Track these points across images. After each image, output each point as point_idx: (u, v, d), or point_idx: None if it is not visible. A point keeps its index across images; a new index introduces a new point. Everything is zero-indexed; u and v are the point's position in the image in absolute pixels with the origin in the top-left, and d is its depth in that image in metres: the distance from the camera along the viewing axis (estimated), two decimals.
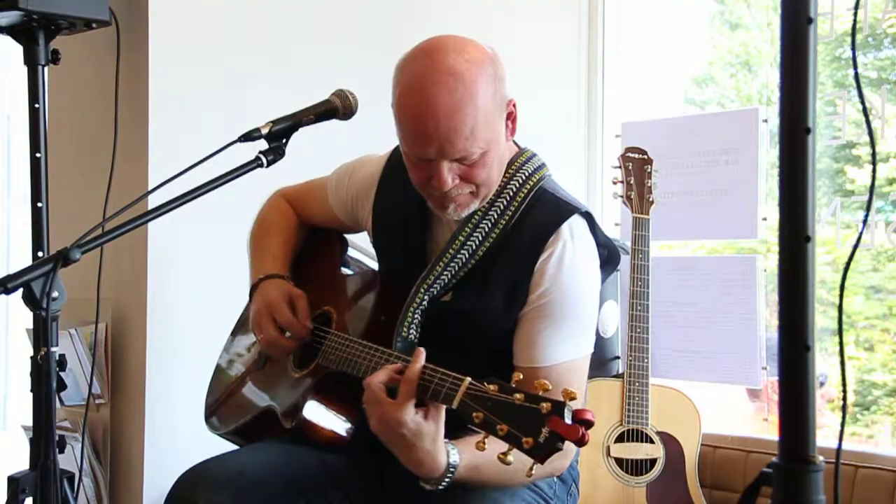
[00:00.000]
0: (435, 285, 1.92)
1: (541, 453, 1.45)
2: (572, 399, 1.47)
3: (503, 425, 1.48)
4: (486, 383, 1.53)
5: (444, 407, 1.61)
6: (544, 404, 1.46)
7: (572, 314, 1.87)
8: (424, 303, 1.91)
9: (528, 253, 1.88)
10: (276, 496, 1.89)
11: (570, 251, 1.87)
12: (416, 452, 1.64)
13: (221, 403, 2.24)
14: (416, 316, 1.91)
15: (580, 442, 1.45)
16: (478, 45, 1.86)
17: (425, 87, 1.78)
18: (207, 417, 2.25)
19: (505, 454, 1.48)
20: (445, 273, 1.92)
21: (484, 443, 1.51)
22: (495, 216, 1.91)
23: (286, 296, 2.06)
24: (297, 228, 2.27)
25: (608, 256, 1.99)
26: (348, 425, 1.95)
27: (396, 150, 2.06)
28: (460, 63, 1.78)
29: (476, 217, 1.91)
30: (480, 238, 1.90)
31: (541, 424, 1.45)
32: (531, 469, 1.48)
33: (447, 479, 1.69)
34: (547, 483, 1.97)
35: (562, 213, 1.90)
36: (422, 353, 1.66)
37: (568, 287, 1.86)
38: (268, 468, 1.93)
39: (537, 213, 1.91)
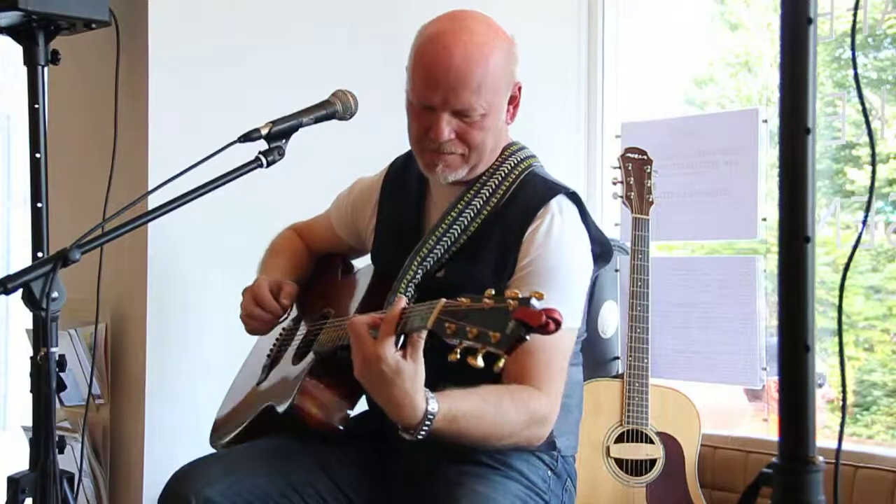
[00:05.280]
0: (428, 259, 1.97)
1: (507, 344, 1.47)
2: (540, 298, 1.49)
3: (473, 328, 1.50)
4: (459, 299, 1.56)
5: (421, 346, 1.64)
6: (511, 301, 1.49)
7: (559, 283, 1.90)
8: (418, 277, 1.97)
9: (517, 226, 1.94)
10: (268, 491, 1.92)
11: (559, 223, 1.94)
12: (396, 392, 1.66)
13: (226, 420, 2.25)
14: (408, 289, 1.95)
15: (544, 328, 1.46)
16: (500, 25, 2.00)
17: (445, 38, 1.91)
18: (214, 442, 2.25)
19: (475, 357, 1.49)
20: (438, 247, 1.98)
21: (456, 353, 1.52)
22: (486, 195, 1.99)
23: (272, 281, 2.15)
24: (303, 251, 2.36)
25: (601, 253, 2.04)
26: (341, 410, 1.97)
27: (393, 163, 2.20)
28: (481, 28, 1.94)
29: (468, 195, 1.99)
30: (472, 214, 1.98)
31: (508, 318, 1.48)
32: (499, 364, 1.48)
33: (425, 428, 1.70)
34: (540, 477, 1.98)
35: (551, 191, 1.98)
36: (403, 298, 1.70)
37: (555, 256, 1.92)
38: (259, 464, 1.95)
39: (527, 191, 1.99)
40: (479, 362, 1.49)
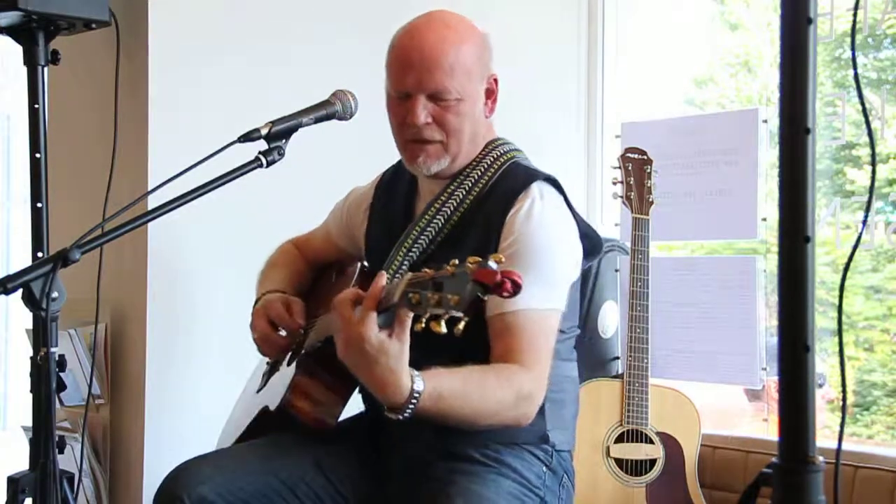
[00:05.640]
0: (413, 249, 2.00)
1: (465, 305, 1.47)
2: (498, 262, 1.49)
3: (435, 295, 1.51)
4: (424, 270, 1.56)
5: (408, 325, 1.63)
6: (470, 265, 1.49)
7: (540, 263, 1.91)
8: (404, 267, 1.98)
9: (498, 211, 1.97)
10: (262, 489, 1.93)
11: (539, 206, 1.96)
12: (380, 370, 1.65)
13: (230, 427, 2.26)
14: (394, 279, 1.94)
15: (500, 287, 1.46)
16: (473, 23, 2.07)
17: (418, 28, 2.01)
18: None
19: (438, 323, 1.50)
20: (422, 238, 2.00)
21: (422, 322, 1.53)
22: (469, 185, 2.02)
23: (283, 299, 2.13)
24: (301, 262, 2.37)
25: (591, 247, 2.06)
26: (333, 405, 1.97)
27: (385, 172, 2.25)
28: (454, 20, 2.03)
29: (451, 187, 2.02)
30: (455, 204, 2.01)
31: (467, 281, 1.48)
32: (459, 326, 1.49)
33: (411, 406, 1.69)
34: (535, 473, 1.98)
35: (531, 177, 2.01)
36: (384, 274, 1.68)
37: (536, 237, 1.93)
38: (253, 462, 1.97)
39: (508, 179, 2.03)
40: (443, 328, 1.49)
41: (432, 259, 1.99)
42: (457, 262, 1.53)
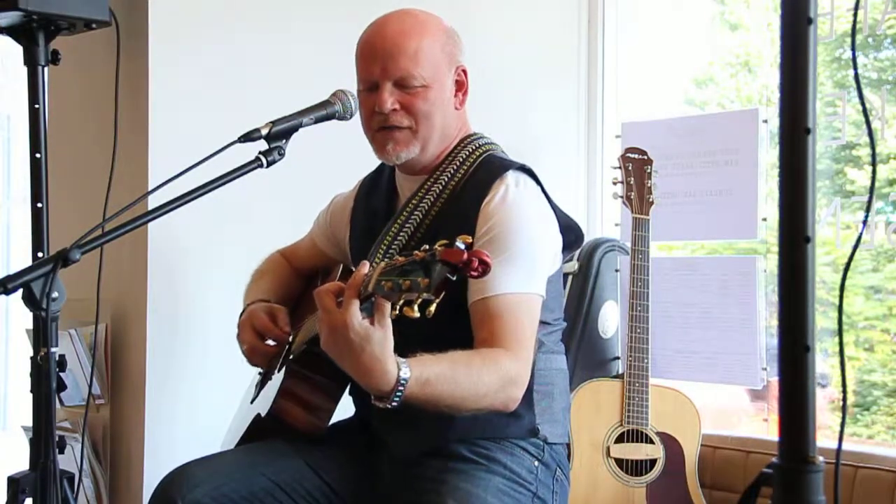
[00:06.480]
0: (394, 245, 2.00)
1: (434, 286, 1.48)
2: (466, 242, 1.50)
3: (406, 280, 1.51)
4: (395, 258, 1.57)
5: (387, 312, 1.62)
6: (439, 248, 1.50)
7: (518, 248, 1.92)
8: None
9: (474, 201, 1.97)
10: (256, 492, 1.94)
11: (513, 192, 1.97)
12: (365, 358, 1.64)
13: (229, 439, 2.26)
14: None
15: (468, 266, 1.47)
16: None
17: (383, 21, 2.04)
18: None
19: (412, 307, 1.50)
20: (402, 233, 2.01)
21: (396, 309, 1.54)
22: (445, 179, 2.03)
23: (266, 308, 2.14)
24: (288, 271, 2.38)
25: (574, 238, 2.08)
26: (323, 407, 1.98)
27: (364, 177, 2.27)
28: (418, 13, 2.05)
29: (428, 182, 2.04)
30: (432, 199, 2.02)
31: (435, 263, 1.49)
32: (430, 308, 1.50)
33: (398, 393, 1.68)
34: (526, 468, 1.98)
35: (506, 167, 2.02)
36: (366, 263, 1.67)
37: (512, 222, 1.93)
38: (246, 465, 1.97)
39: (483, 170, 2.03)
40: (416, 312, 1.50)
41: None
42: (427, 247, 1.53)
